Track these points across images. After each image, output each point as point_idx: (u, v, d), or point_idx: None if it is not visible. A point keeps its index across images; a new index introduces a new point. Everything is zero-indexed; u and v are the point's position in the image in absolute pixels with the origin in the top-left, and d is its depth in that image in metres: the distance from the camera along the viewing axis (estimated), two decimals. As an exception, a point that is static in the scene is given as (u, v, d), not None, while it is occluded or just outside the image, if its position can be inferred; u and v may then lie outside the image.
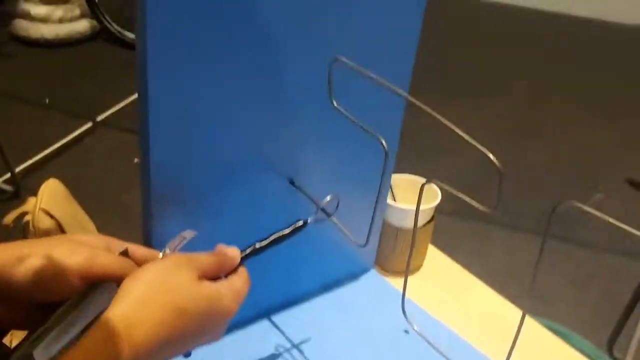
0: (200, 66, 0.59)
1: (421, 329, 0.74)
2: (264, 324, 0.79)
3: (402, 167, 0.86)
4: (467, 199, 0.54)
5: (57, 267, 0.51)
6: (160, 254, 0.60)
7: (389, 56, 0.72)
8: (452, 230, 1.90)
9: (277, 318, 0.80)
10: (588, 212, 0.52)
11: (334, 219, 0.70)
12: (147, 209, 0.64)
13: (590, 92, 3.18)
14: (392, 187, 0.89)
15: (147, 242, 0.66)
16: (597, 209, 0.50)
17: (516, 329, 0.61)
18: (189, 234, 0.61)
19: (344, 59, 0.62)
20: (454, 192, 0.58)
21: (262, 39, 0.62)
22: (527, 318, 0.64)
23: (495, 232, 2.10)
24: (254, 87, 0.64)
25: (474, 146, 0.51)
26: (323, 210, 0.67)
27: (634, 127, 2.88)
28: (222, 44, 0.59)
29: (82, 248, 0.53)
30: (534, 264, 0.57)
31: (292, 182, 0.74)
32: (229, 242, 0.61)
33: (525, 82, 3.24)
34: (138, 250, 0.59)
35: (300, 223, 0.65)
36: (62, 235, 0.63)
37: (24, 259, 0.50)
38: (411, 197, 0.90)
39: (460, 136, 0.52)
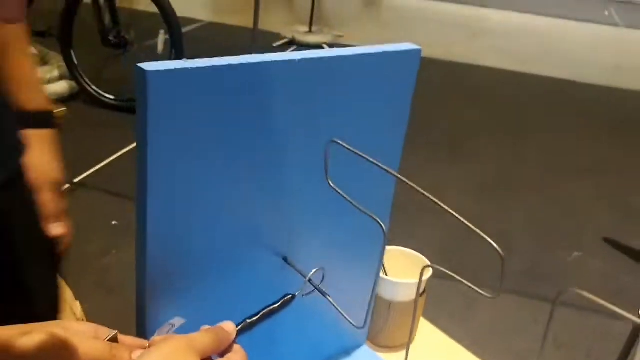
0: (197, 152, 0.59)
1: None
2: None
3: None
4: (469, 284, 0.54)
5: (60, 342, 0.50)
6: (148, 344, 0.59)
7: (381, 136, 0.73)
8: (434, 292, 1.90)
9: (270, 398, 0.78)
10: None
11: (331, 299, 0.69)
12: (142, 292, 0.63)
13: (563, 150, 3.26)
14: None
15: (141, 323, 0.64)
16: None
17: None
18: (177, 322, 0.61)
19: (339, 141, 0.63)
20: (454, 275, 0.58)
21: (259, 125, 0.62)
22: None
23: (476, 293, 2.09)
24: (251, 171, 0.64)
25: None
26: (310, 281, 0.67)
27: (607, 183, 2.94)
28: (220, 129, 0.60)
29: (69, 334, 0.52)
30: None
31: (285, 259, 0.73)
32: (223, 320, 0.60)
33: (501, 141, 3.30)
34: (126, 338, 0.58)
35: (290, 297, 0.65)
36: (51, 322, 0.62)
37: (29, 333, 0.50)
38: (401, 268, 0.90)
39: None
